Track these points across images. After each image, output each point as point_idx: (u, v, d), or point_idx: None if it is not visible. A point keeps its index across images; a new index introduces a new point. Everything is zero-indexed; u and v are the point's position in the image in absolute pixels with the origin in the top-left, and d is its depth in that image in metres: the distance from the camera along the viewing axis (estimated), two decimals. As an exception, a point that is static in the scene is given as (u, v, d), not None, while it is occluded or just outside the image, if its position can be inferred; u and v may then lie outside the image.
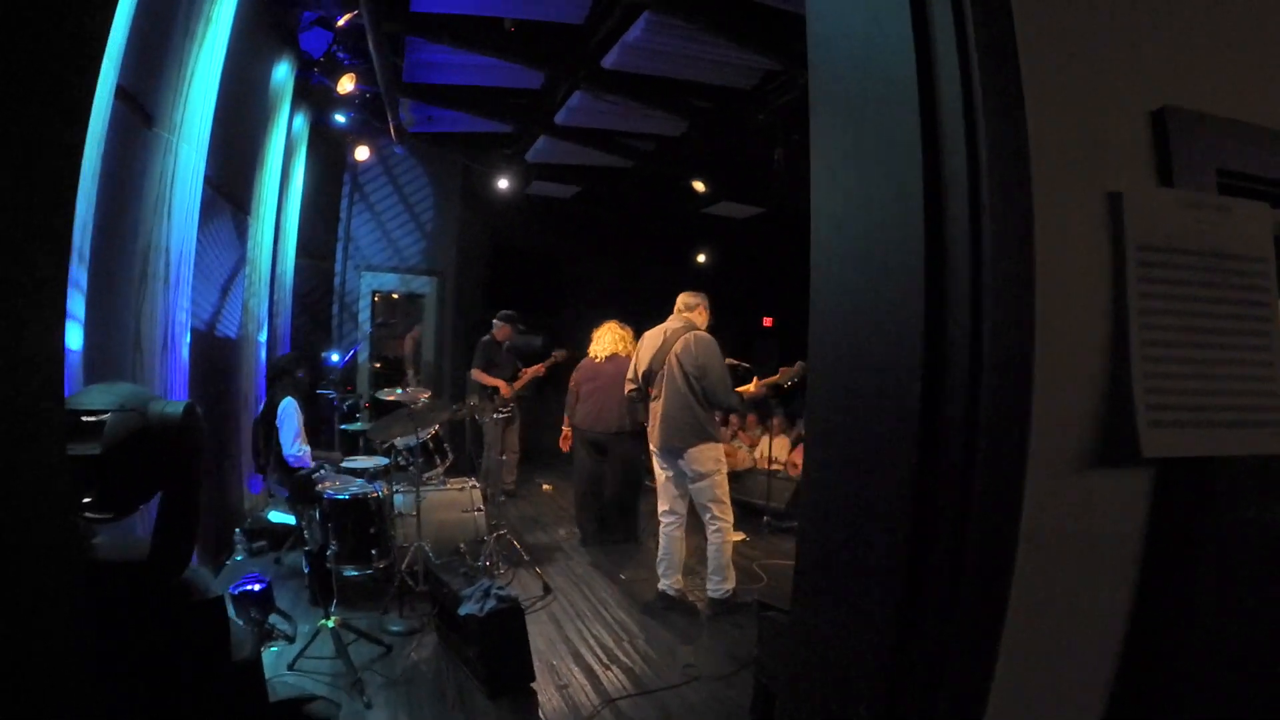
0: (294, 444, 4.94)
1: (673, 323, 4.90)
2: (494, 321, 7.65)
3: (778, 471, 7.96)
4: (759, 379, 4.92)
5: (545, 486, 8.50)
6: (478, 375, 7.38)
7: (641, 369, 4.91)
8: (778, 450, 8.37)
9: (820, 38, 1.23)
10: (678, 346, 4.73)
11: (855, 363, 1.05)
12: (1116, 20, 1.10)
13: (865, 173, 1.06)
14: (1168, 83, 1.12)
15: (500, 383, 7.33)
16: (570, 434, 6.48)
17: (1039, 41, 1.01)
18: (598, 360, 6.26)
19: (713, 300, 5.03)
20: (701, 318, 4.94)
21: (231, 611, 3.83)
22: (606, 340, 6.28)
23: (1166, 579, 1.09)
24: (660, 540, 4.87)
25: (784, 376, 4.90)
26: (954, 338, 0.89)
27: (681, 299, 5.00)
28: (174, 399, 2.52)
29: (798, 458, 8.39)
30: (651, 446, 4.91)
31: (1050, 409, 0.97)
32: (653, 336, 4.93)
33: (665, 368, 4.75)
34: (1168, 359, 1.09)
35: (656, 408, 4.79)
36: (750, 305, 12.40)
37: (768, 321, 12.82)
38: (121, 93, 3.07)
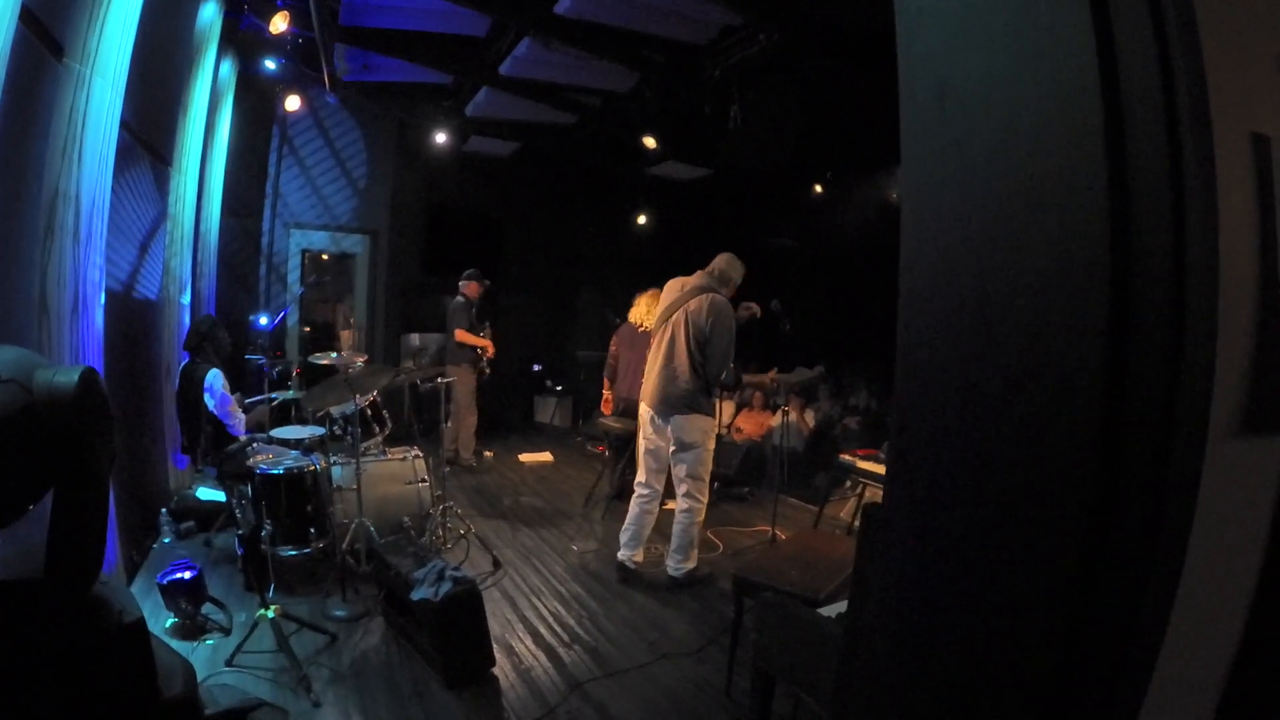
0: (231, 415, 4.63)
1: (696, 279, 4.58)
2: (460, 282, 7.53)
3: (723, 436, 7.89)
4: (776, 372, 4.77)
5: (487, 453, 8.22)
6: (462, 336, 7.30)
7: (656, 316, 4.68)
8: (725, 415, 8.30)
9: None
10: (692, 304, 4.46)
11: (982, 320, 0.85)
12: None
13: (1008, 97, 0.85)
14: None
15: (487, 342, 7.35)
16: (612, 398, 6.57)
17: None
18: (640, 328, 6.16)
19: (652, 264, 4.76)
20: (729, 291, 4.58)
21: (161, 602, 3.52)
22: (643, 308, 6.25)
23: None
24: (630, 509, 4.68)
25: (800, 380, 4.79)
26: (1149, 287, 0.72)
27: (721, 264, 4.62)
28: (74, 365, 2.19)
29: (742, 422, 8.38)
30: (642, 405, 4.66)
31: (1221, 371, 0.82)
32: (673, 286, 4.65)
33: (669, 324, 4.51)
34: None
35: (655, 360, 4.54)
36: (691, 270, 12.16)
37: (709, 286, 12.68)
38: (27, 16, 2.66)
